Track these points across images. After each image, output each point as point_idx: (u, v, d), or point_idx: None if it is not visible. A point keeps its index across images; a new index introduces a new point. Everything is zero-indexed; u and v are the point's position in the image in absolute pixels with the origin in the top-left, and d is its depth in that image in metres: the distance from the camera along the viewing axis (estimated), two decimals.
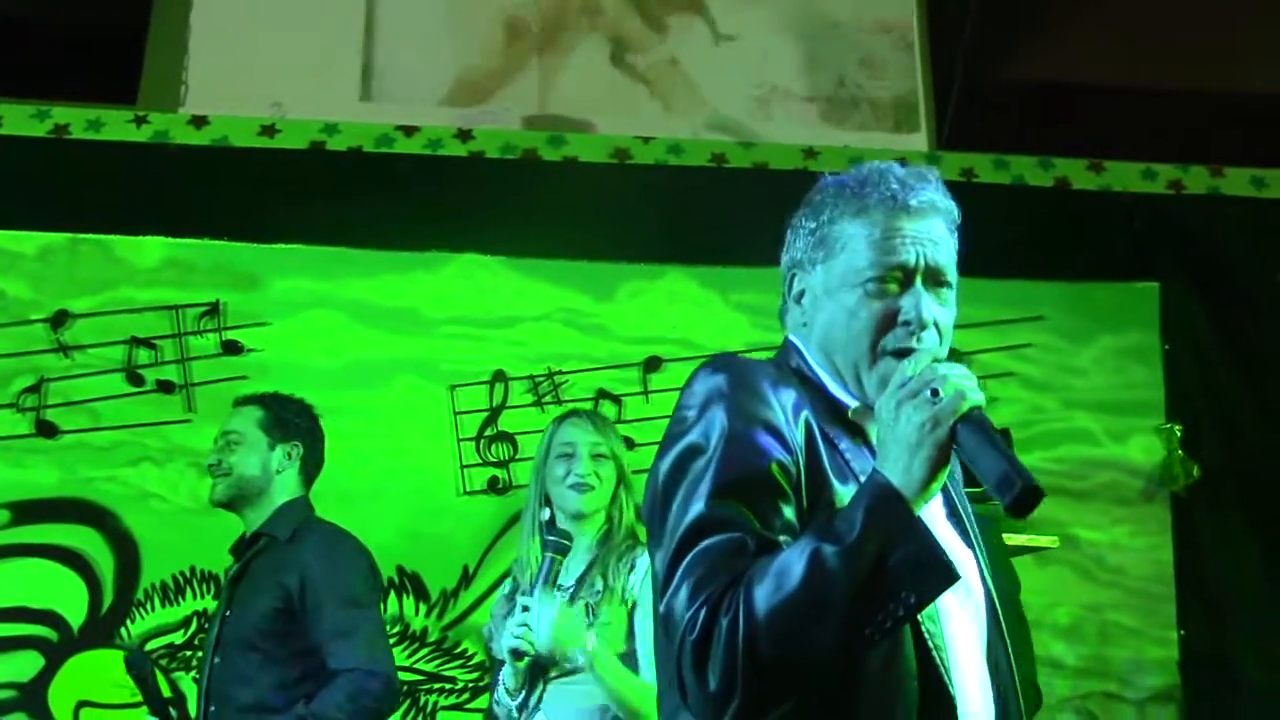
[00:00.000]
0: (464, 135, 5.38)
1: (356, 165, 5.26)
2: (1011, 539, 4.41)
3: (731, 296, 5.24)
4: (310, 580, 3.61)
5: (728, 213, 5.20)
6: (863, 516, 1.70)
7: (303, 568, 3.64)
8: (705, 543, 1.74)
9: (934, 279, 1.95)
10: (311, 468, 3.90)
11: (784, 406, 1.85)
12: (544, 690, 3.41)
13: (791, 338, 2.04)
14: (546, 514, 3.60)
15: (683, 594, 1.72)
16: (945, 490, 1.97)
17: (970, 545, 1.99)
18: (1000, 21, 5.74)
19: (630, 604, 3.40)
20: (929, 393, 1.74)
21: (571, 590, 3.48)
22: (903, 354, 1.89)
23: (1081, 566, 5.22)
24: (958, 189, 5.60)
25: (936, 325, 1.92)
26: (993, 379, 5.23)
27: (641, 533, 3.48)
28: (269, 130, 5.26)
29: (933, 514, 1.91)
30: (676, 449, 1.84)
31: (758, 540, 1.74)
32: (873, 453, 1.89)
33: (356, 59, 5.56)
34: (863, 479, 1.79)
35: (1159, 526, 5.31)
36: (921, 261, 1.93)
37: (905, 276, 1.93)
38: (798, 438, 1.84)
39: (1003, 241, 5.25)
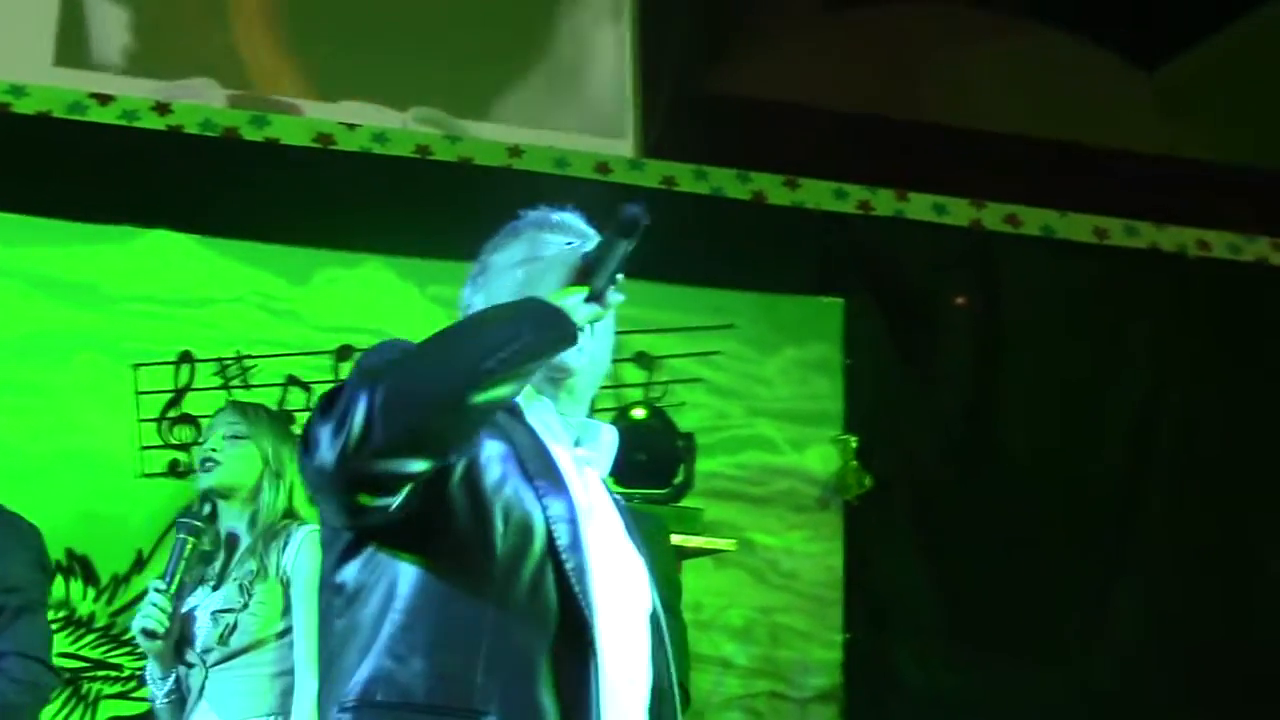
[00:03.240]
0: (162, 108, 5.22)
1: (44, 131, 5.05)
2: (690, 541, 4.54)
3: (429, 289, 5.21)
4: None
5: (430, 206, 5.20)
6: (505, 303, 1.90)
7: None
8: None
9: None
10: None
11: None
12: (206, 678, 3.38)
13: None
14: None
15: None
16: (620, 509, 2.08)
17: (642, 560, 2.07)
18: (709, 37, 5.88)
19: (285, 580, 3.41)
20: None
21: (219, 573, 3.49)
22: None
23: (756, 570, 5.36)
24: (658, 197, 5.74)
25: None
26: (681, 384, 5.36)
27: (303, 512, 3.54)
28: None
29: (610, 528, 2.00)
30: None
31: None
32: None
33: (51, 22, 5.34)
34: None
35: (831, 533, 5.50)
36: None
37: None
38: None
39: (699, 250, 5.39)
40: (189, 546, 3.48)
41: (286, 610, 3.40)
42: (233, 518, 3.56)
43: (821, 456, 5.53)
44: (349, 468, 1.71)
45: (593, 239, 2.09)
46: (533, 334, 1.78)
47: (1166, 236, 6.07)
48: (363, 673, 1.80)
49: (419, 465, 1.74)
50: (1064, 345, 5.91)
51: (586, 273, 1.88)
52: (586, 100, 5.84)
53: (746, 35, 6.04)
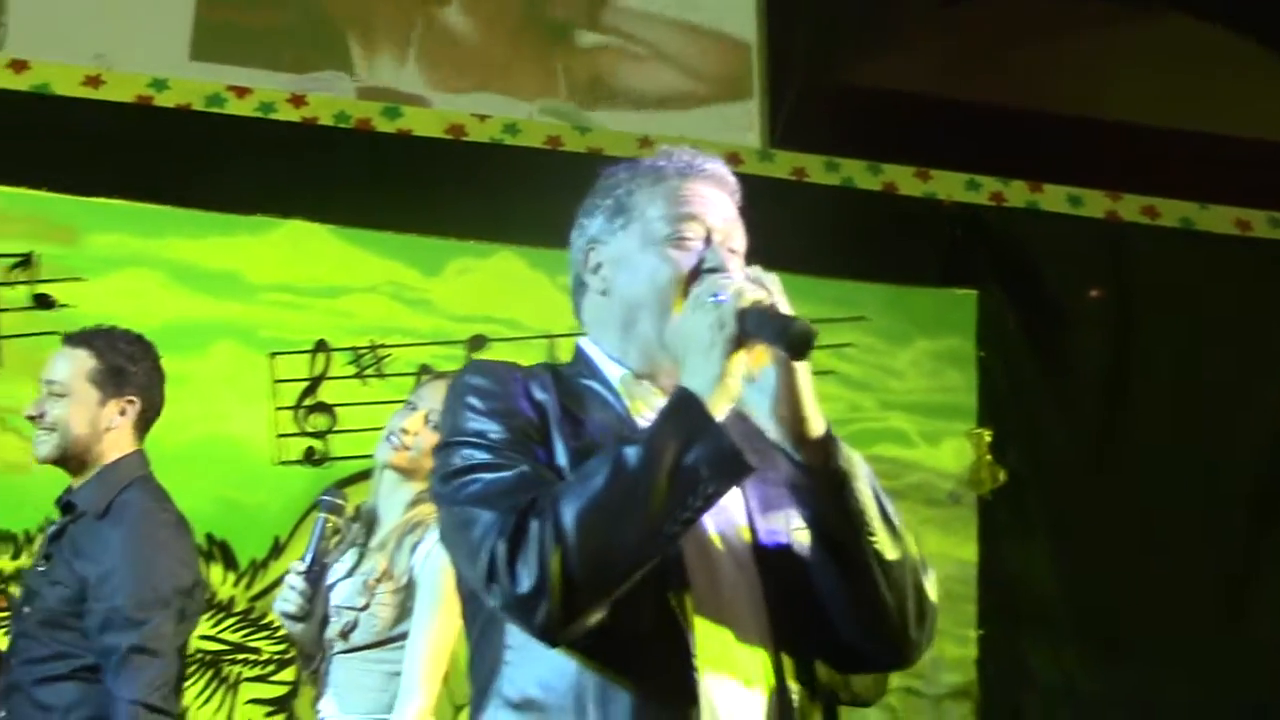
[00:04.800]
0: (297, 100, 5.28)
1: (184, 123, 5.12)
2: None
3: (560, 279, 5.11)
4: (106, 577, 3.31)
5: (560, 196, 5.17)
6: (660, 419, 1.82)
7: (103, 562, 3.34)
8: (495, 476, 1.83)
9: (727, 244, 2.05)
10: (151, 415, 3.68)
11: (529, 393, 1.95)
12: (330, 665, 3.34)
13: (580, 343, 2.14)
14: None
15: (485, 512, 1.80)
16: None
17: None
18: (839, 28, 5.84)
19: (412, 582, 3.28)
20: (713, 299, 1.86)
21: (355, 562, 3.41)
22: None
23: None
24: (788, 187, 5.64)
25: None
26: (813, 376, 5.31)
27: None
28: (94, 81, 5.10)
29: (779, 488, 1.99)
30: (443, 444, 1.94)
31: (545, 472, 1.86)
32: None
33: (188, 16, 5.42)
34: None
35: (964, 528, 5.44)
36: (718, 220, 2.06)
37: (704, 231, 2.04)
38: (542, 417, 1.94)
39: (829, 241, 5.34)
40: (329, 525, 3.44)
41: (400, 617, 3.28)
42: (397, 493, 3.46)
43: (955, 450, 5.47)
44: (553, 634, 1.77)
45: (738, 189, 2.11)
46: (714, 486, 1.79)
47: None
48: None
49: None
50: (1201, 339, 5.79)
51: (737, 343, 1.84)
52: (716, 90, 5.81)
53: (874, 27, 5.99)
